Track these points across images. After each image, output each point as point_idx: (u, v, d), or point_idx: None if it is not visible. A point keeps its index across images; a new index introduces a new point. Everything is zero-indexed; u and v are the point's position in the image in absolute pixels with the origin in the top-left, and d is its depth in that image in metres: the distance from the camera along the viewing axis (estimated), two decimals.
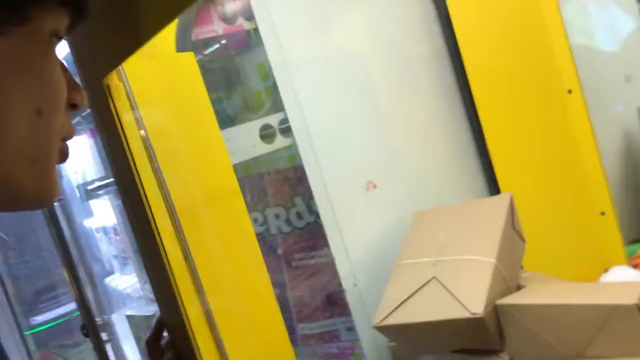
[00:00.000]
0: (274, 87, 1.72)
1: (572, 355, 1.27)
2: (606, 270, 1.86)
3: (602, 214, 1.98)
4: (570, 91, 1.95)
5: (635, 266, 1.89)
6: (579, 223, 1.98)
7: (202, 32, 1.79)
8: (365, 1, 1.78)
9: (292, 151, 1.79)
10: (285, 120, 1.63)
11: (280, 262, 1.94)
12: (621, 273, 1.80)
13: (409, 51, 1.84)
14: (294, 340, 1.92)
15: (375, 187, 1.67)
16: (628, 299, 1.17)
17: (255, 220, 1.90)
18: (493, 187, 1.89)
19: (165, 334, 1.33)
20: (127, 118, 1.22)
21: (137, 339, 2.81)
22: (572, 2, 2.27)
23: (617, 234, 1.97)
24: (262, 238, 1.92)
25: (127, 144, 1.20)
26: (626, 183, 2.39)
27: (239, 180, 1.47)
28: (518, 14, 1.97)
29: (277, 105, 1.73)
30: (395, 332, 1.48)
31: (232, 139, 1.58)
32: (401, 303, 1.44)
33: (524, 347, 1.35)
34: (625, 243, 2.05)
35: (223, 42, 1.86)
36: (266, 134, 1.64)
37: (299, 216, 1.88)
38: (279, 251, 1.93)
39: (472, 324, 1.32)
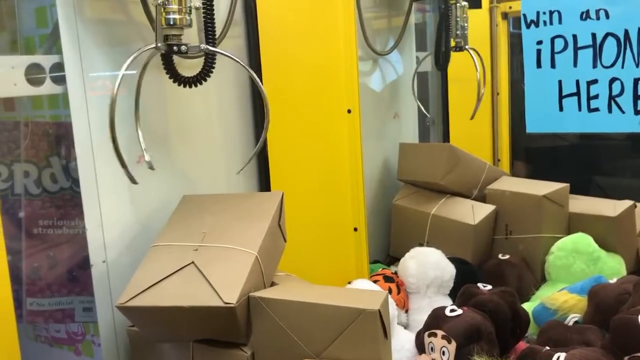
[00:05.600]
0: (53, 35, 1.53)
1: (311, 354, 1.31)
2: (350, 282, 1.99)
3: (355, 230, 2.13)
4: (349, 111, 2.07)
5: (375, 282, 2.05)
6: (335, 234, 2.10)
7: None
8: None
9: (60, 111, 1.60)
10: (59, 66, 1.45)
11: (20, 226, 1.71)
12: (363, 284, 1.94)
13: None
14: (19, 316, 1.70)
15: None
16: (372, 305, 1.25)
17: None
18: (265, 189, 1.91)
19: None
20: None
21: None
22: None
23: (364, 249, 2.13)
24: (2, 196, 1.67)
25: None
26: (378, 206, 2.62)
27: None
28: (318, 39, 2.06)
29: (52, 52, 1.54)
30: (139, 315, 1.38)
31: None
32: (152, 285, 1.36)
33: (268, 342, 1.36)
34: (369, 261, 2.23)
35: None
36: (34, 76, 1.43)
37: (54, 179, 1.68)
38: (21, 214, 1.70)
39: (223, 314, 1.29)
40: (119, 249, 1.58)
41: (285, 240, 1.64)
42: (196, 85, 1.57)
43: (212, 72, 1.56)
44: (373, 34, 2.54)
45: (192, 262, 1.38)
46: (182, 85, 1.56)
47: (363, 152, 2.12)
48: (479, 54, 2.80)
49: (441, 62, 2.77)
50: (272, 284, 1.52)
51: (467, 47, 2.78)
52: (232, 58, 1.58)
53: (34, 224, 1.68)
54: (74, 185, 1.64)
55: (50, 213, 1.68)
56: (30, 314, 1.73)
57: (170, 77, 1.55)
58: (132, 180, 1.46)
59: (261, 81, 1.89)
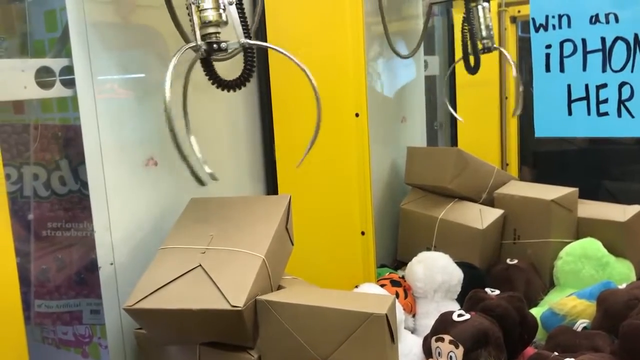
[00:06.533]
0: (62, 39, 1.54)
1: (317, 357, 1.31)
2: (357, 286, 1.99)
3: (363, 233, 2.12)
4: (357, 114, 2.07)
5: (382, 286, 2.05)
6: (342, 238, 2.09)
7: None
8: None
9: (69, 114, 1.61)
10: (68, 69, 1.46)
11: (29, 228, 1.72)
12: (370, 289, 1.93)
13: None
14: (27, 318, 1.71)
15: (156, 164, 1.58)
16: (380, 309, 1.24)
17: (7, 177, 1.66)
18: (272, 192, 1.92)
19: None
20: None
21: None
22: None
23: (372, 253, 2.12)
24: (12, 198, 1.68)
25: None
26: (385, 210, 2.61)
27: None
28: (326, 42, 2.05)
29: (61, 55, 1.54)
30: (147, 318, 1.39)
31: None
32: (160, 287, 1.36)
33: (275, 345, 1.36)
34: (376, 265, 2.22)
35: None
36: (44, 79, 1.44)
37: (62, 182, 1.69)
38: (30, 216, 1.71)
39: (230, 317, 1.29)
40: (127, 252, 1.59)
41: (292, 244, 1.64)
42: (240, 88, 1.49)
43: (254, 69, 1.49)
44: (382, 37, 2.54)
45: (200, 265, 1.39)
46: (226, 89, 1.49)
47: (371, 155, 2.12)
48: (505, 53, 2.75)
49: (473, 65, 2.71)
50: (279, 288, 1.52)
51: (495, 47, 2.68)
52: (277, 50, 1.50)
53: (42, 226, 1.69)
54: (82, 187, 1.65)
55: (58, 215, 1.69)
56: (38, 315, 1.74)
57: (213, 83, 1.49)
58: (201, 183, 1.40)
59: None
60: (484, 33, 2.65)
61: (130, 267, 1.57)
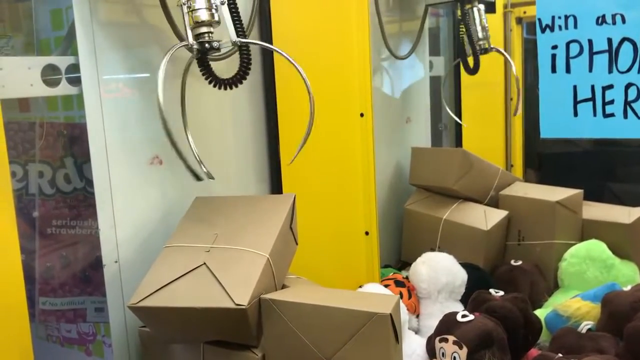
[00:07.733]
0: (68, 37, 1.54)
1: (321, 357, 1.31)
2: (360, 286, 1.98)
3: (367, 233, 2.12)
4: (362, 114, 2.07)
5: (386, 286, 2.04)
6: (346, 238, 2.09)
7: None
8: None
9: (74, 112, 1.61)
10: (74, 67, 1.46)
11: (34, 226, 1.73)
12: (374, 289, 1.93)
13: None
14: (31, 315, 1.71)
15: (160, 163, 1.58)
16: (384, 309, 1.24)
17: (13, 174, 1.67)
18: (277, 191, 1.92)
19: None
20: None
21: None
22: None
23: (376, 253, 2.12)
24: (17, 196, 1.69)
25: None
26: (390, 210, 2.61)
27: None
28: (332, 42, 2.06)
29: (67, 54, 1.55)
30: (151, 316, 1.39)
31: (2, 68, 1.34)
32: (164, 285, 1.36)
33: (279, 344, 1.36)
34: (380, 265, 2.22)
35: None
36: (50, 77, 1.44)
37: (67, 180, 1.69)
38: (35, 214, 1.72)
39: (235, 315, 1.29)
40: (132, 250, 1.59)
41: (296, 243, 1.64)
42: (237, 86, 1.51)
43: (250, 67, 1.50)
44: (387, 37, 2.54)
45: (204, 264, 1.39)
46: (222, 87, 1.51)
47: (375, 155, 2.11)
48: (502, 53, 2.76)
49: (472, 66, 2.74)
50: (284, 287, 1.52)
51: (492, 47, 2.71)
52: (269, 48, 1.54)
53: (47, 224, 1.70)
54: (87, 185, 1.65)
55: (63, 213, 1.69)
56: (42, 313, 1.74)
57: (210, 82, 1.50)
58: (197, 178, 1.44)
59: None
60: (480, 34, 2.67)
61: (135, 265, 1.57)
